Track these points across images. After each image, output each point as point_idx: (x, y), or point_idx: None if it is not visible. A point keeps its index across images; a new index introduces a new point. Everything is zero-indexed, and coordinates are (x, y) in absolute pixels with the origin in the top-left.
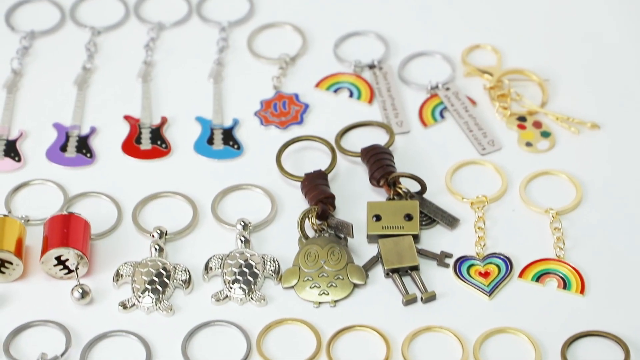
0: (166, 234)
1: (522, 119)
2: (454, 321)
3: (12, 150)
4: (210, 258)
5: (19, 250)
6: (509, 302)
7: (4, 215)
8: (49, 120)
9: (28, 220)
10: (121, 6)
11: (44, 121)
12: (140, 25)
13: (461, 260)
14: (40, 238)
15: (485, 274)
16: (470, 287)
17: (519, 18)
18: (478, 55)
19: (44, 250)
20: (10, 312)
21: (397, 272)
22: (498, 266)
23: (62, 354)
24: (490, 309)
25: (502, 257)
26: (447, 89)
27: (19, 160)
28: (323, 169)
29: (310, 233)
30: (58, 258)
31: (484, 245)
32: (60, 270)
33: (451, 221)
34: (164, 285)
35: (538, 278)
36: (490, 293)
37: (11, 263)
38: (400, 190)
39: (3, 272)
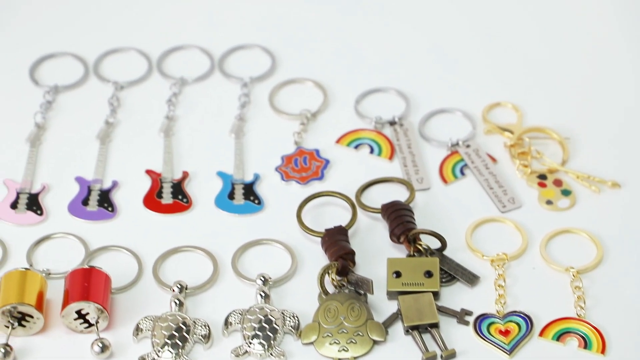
0: (186, 289)
1: (542, 176)
2: None
3: (34, 204)
4: (230, 313)
5: (40, 303)
6: None
7: (26, 269)
8: (71, 174)
9: (49, 274)
10: (144, 61)
11: (66, 175)
12: (163, 80)
13: (481, 318)
14: (61, 291)
15: (506, 332)
16: (491, 345)
17: (540, 76)
18: (499, 113)
19: (65, 304)
20: None
21: (417, 329)
22: (518, 324)
23: None
24: None
25: (522, 315)
26: (468, 146)
27: (41, 214)
28: (343, 224)
29: (330, 289)
30: (79, 312)
31: (504, 303)
32: (80, 324)
33: (471, 278)
34: (184, 340)
35: (559, 337)
36: (510, 351)
37: (32, 316)
38: (420, 247)
39: (24, 326)
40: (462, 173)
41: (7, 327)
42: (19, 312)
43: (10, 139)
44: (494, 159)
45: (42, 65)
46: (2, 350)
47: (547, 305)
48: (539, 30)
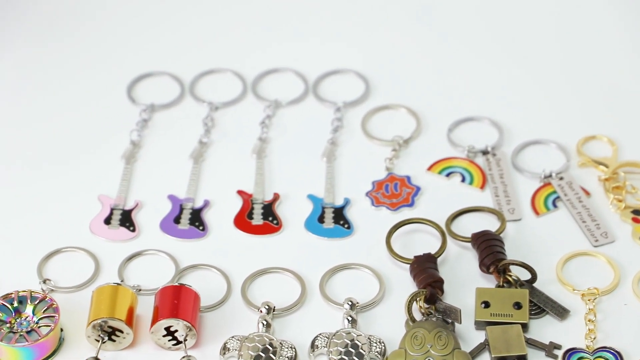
0: (274, 310)
1: (637, 212)
2: None
3: (127, 220)
4: (317, 336)
5: (130, 319)
6: None
7: (117, 284)
8: (163, 192)
9: (139, 290)
10: (239, 83)
11: (159, 193)
12: (257, 102)
13: (570, 352)
14: (151, 308)
15: None
16: None
17: (638, 110)
18: (594, 146)
19: (154, 320)
20: None
21: None
22: None
23: None
24: None
25: (612, 351)
26: (561, 178)
27: (134, 230)
28: (433, 252)
29: (418, 316)
30: (167, 328)
31: (594, 338)
32: (169, 340)
33: (561, 312)
34: None
35: None
36: None
37: (122, 331)
38: (510, 278)
39: (113, 340)
40: (555, 205)
41: (98, 341)
42: (110, 327)
43: (106, 155)
44: (587, 192)
45: (139, 84)
46: None
47: (638, 342)
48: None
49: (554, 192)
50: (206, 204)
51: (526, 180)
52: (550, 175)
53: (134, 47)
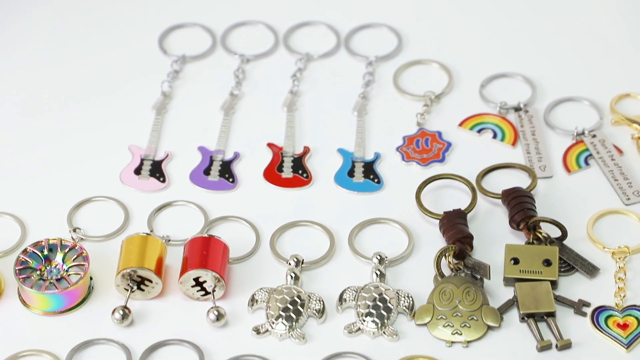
0: (302, 263)
1: None
2: None
3: (157, 171)
4: (345, 290)
5: (159, 269)
6: None
7: (147, 234)
8: (194, 144)
9: (169, 240)
10: (271, 35)
11: (189, 144)
12: (289, 55)
13: (599, 310)
14: (180, 258)
15: (624, 326)
16: (607, 338)
17: None
18: (628, 104)
19: (183, 270)
20: (147, 329)
21: (532, 317)
22: (637, 319)
23: None
24: None
25: None
26: (594, 136)
27: (164, 181)
28: (462, 208)
29: (446, 271)
30: (196, 279)
31: (623, 297)
32: (197, 291)
33: (591, 270)
34: (298, 314)
35: None
36: (628, 345)
37: (151, 281)
38: (540, 235)
39: (142, 290)
40: (587, 163)
41: (127, 290)
42: (139, 276)
43: (137, 106)
44: (620, 151)
45: (171, 35)
46: (121, 312)
47: None
48: None
49: (586, 149)
50: (236, 156)
51: (558, 137)
52: (582, 133)
53: None
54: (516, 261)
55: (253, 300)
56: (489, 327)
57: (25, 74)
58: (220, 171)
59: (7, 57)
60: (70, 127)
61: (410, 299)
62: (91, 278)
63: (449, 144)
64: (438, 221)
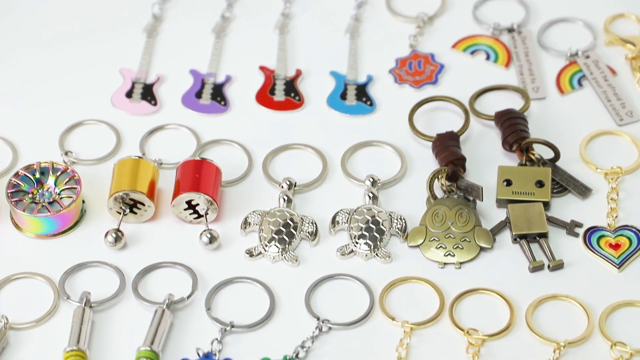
0: (295, 186)
1: None
2: (580, 291)
3: (148, 94)
4: (338, 212)
5: (152, 192)
6: (639, 276)
7: (139, 157)
8: (185, 67)
9: (161, 164)
10: None
11: (180, 67)
12: None
13: (591, 230)
14: (172, 182)
15: (616, 246)
16: (599, 258)
17: None
18: (621, 25)
19: (176, 194)
20: (140, 252)
21: (525, 238)
22: (629, 239)
23: (188, 296)
24: (619, 282)
25: (634, 230)
26: (587, 56)
27: (155, 104)
28: (455, 130)
29: (439, 194)
30: (189, 202)
31: (615, 217)
32: (190, 214)
33: (583, 190)
34: (291, 236)
35: None
36: (619, 265)
37: (143, 204)
38: (533, 157)
39: (135, 213)
40: (580, 84)
41: (119, 213)
42: (131, 199)
43: (128, 28)
44: (613, 71)
45: None
46: (114, 235)
47: None
48: None
49: (580, 70)
50: (228, 79)
51: (552, 58)
52: (576, 54)
53: None
54: (509, 183)
55: (246, 223)
56: (482, 249)
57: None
58: (212, 94)
59: None
60: (61, 50)
61: (403, 221)
62: (83, 201)
63: (442, 66)
64: (431, 143)
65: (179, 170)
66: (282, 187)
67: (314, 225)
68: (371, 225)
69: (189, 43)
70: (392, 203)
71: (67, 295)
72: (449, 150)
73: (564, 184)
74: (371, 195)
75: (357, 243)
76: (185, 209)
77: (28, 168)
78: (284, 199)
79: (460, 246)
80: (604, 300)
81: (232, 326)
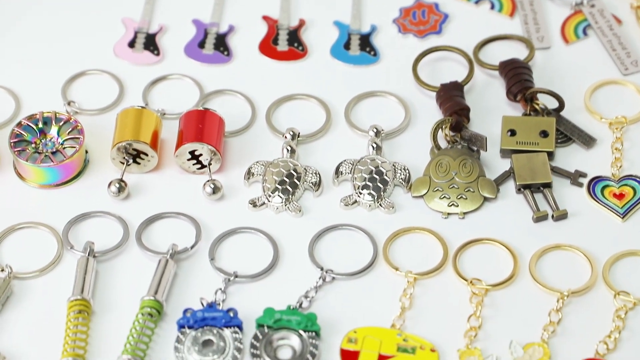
0: (298, 136)
1: None
2: (584, 241)
3: (151, 44)
4: (341, 162)
5: (155, 142)
6: None
7: (142, 107)
8: (188, 16)
9: (164, 114)
10: None
11: (183, 17)
12: None
13: (595, 180)
14: (175, 132)
15: (620, 196)
16: (603, 208)
17: None
18: None
19: (179, 144)
20: (144, 202)
21: (529, 188)
22: (634, 188)
23: (192, 247)
24: (622, 231)
25: (638, 179)
26: (592, 5)
27: (158, 54)
28: (459, 80)
29: (443, 144)
30: (192, 152)
31: (620, 167)
32: (193, 164)
33: (588, 140)
34: (294, 186)
35: None
36: (623, 215)
37: (146, 154)
38: (537, 106)
39: (138, 163)
40: (585, 33)
41: (122, 163)
42: (134, 149)
43: None
44: (619, 20)
45: None
46: (117, 185)
47: None
48: None
49: (585, 19)
50: (231, 29)
51: (556, 7)
52: (581, 3)
53: None
54: (513, 133)
55: (249, 174)
56: (485, 199)
57: None
58: (215, 44)
59: None
60: (63, 0)
61: (407, 171)
62: (86, 151)
63: (446, 16)
64: (435, 93)
65: (182, 121)
66: (286, 137)
67: (318, 175)
68: (375, 175)
69: None
70: (395, 153)
71: (70, 245)
72: (453, 100)
73: (569, 133)
74: (375, 145)
75: (360, 193)
76: (188, 159)
77: (31, 118)
78: (288, 150)
79: (464, 196)
80: (607, 250)
81: (236, 276)
